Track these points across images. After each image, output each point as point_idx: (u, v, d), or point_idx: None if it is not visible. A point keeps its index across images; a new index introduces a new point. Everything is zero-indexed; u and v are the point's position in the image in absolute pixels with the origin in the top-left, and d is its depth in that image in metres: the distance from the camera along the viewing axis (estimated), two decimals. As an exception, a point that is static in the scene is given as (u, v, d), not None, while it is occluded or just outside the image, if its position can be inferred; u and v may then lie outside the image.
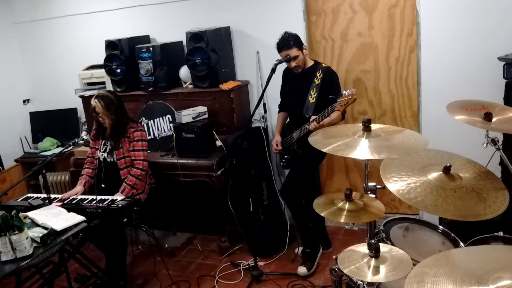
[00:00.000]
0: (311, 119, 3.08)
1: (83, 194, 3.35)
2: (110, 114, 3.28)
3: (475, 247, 1.89)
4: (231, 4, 3.91)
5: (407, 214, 3.72)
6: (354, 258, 1.91)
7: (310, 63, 3.28)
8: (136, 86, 4.08)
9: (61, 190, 4.43)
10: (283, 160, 3.51)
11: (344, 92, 2.85)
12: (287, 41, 3.14)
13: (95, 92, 3.43)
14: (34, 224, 2.56)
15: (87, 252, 3.46)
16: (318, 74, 3.17)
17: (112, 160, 3.39)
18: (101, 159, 3.43)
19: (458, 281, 1.15)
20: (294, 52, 3.13)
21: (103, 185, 3.40)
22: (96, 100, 3.27)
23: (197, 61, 3.74)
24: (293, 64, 3.17)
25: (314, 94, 3.16)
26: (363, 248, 1.96)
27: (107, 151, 3.41)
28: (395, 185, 1.99)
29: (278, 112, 3.61)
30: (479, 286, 1.12)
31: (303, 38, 3.72)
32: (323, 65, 3.24)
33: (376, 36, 3.65)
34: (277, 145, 3.47)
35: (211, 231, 3.96)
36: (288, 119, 3.53)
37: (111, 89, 4.14)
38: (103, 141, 3.44)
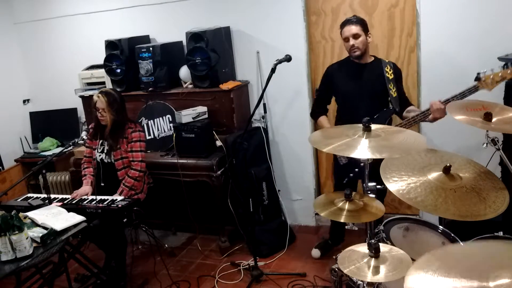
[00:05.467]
0: (434, 102, 2.71)
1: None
2: (112, 111, 3.27)
3: (474, 243, 1.89)
4: (231, 4, 3.91)
5: (407, 214, 3.72)
6: (354, 258, 1.91)
7: (370, 58, 3.11)
8: (136, 86, 4.08)
9: (61, 190, 4.43)
10: (351, 175, 2.96)
11: (487, 70, 2.57)
12: (353, 18, 2.99)
13: (95, 92, 3.43)
14: (34, 224, 2.56)
15: (87, 252, 3.46)
16: (387, 70, 3.02)
17: (109, 161, 3.39)
18: (99, 160, 3.42)
19: (457, 278, 1.15)
20: (356, 29, 2.94)
21: (102, 184, 3.40)
22: (99, 95, 3.26)
23: (197, 61, 3.74)
24: (351, 42, 2.95)
25: (393, 88, 3.02)
26: (363, 248, 1.96)
27: (105, 151, 3.40)
28: (395, 185, 1.99)
29: (318, 118, 3.27)
30: (479, 282, 1.12)
31: (303, 38, 3.74)
32: (386, 60, 3.11)
33: (376, 36, 3.65)
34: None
35: (211, 231, 3.96)
36: (345, 121, 2.88)
37: (111, 89, 4.14)
38: (100, 141, 3.43)
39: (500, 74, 2.56)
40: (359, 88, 3.07)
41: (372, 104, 3.03)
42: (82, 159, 3.61)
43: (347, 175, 3.01)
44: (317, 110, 3.31)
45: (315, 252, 3.57)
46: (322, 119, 3.27)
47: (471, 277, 1.14)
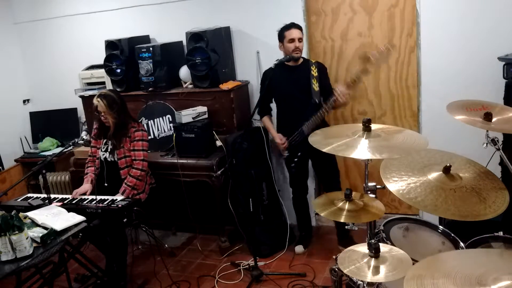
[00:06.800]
0: (338, 88, 3.15)
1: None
2: (113, 113, 3.28)
3: (469, 250, 1.89)
4: (231, 4, 3.91)
5: (407, 214, 3.72)
6: (354, 258, 1.91)
7: (300, 60, 3.42)
8: (136, 86, 4.08)
9: (61, 190, 4.43)
10: (295, 160, 3.44)
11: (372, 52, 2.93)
12: (298, 24, 3.36)
13: (95, 92, 3.43)
14: (34, 224, 2.56)
15: (87, 252, 3.47)
16: (313, 68, 3.37)
17: (113, 159, 3.39)
18: (102, 159, 3.43)
19: (457, 281, 1.15)
20: (300, 34, 3.34)
21: (106, 184, 3.40)
22: (98, 99, 3.26)
23: (197, 61, 3.74)
24: (297, 44, 3.31)
25: (316, 83, 3.34)
26: (363, 248, 1.96)
27: (108, 150, 3.41)
28: (395, 185, 1.99)
29: (263, 116, 3.62)
30: (479, 287, 1.12)
31: (304, 38, 3.72)
32: (312, 60, 3.45)
33: (376, 36, 3.65)
34: (281, 139, 3.44)
35: (211, 231, 3.96)
36: (286, 118, 3.50)
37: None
38: (104, 140, 3.44)
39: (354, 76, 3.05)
40: (293, 88, 3.39)
41: (304, 101, 3.34)
42: (82, 159, 3.61)
43: (291, 165, 3.50)
44: (262, 109, 3.60)
45: (299, 248, 3.66)
46: (265, 119, 3.63)
47: (470, 282, 1.14)
